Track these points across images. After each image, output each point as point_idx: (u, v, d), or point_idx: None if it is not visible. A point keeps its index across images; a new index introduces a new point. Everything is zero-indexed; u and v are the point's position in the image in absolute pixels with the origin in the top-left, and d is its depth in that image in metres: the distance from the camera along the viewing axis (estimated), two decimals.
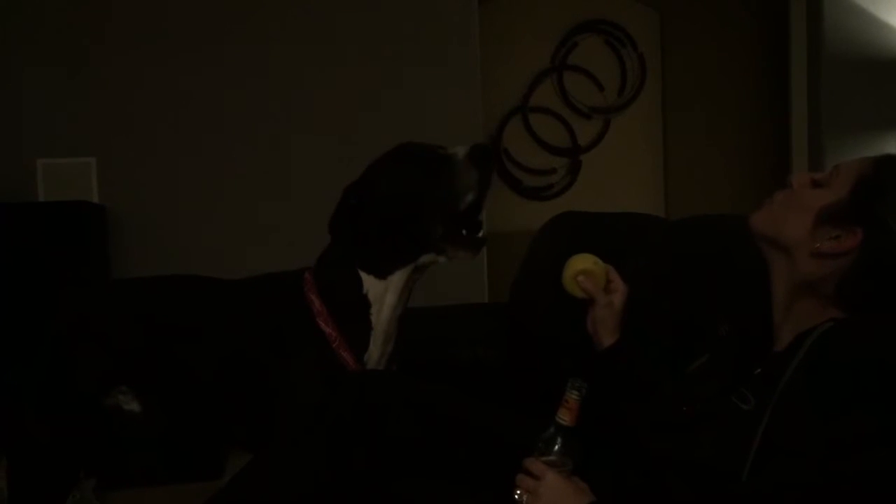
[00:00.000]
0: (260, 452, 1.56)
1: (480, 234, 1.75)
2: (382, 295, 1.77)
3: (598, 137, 4.78)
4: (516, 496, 1.35)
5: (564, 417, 1.38)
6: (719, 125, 4.69)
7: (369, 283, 1.77)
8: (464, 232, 1.73)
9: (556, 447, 1.37)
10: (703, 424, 1.35)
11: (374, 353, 1.79)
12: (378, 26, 3.59)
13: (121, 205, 3.44)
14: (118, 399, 1.84)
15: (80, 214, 3.20)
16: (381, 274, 1.77)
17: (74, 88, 3.44)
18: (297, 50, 3.56)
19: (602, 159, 4.76)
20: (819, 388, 1.22)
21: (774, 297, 1.43)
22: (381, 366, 1.81)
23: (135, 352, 1.82)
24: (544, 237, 2.43)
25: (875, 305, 1.34)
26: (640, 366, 1.61)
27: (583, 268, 1.66)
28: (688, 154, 4.75)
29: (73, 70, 3.44)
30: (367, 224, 1.75)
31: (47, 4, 3.42)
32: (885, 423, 1.16)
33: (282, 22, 3.55)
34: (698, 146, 4.72)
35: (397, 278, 1.77)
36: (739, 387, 1.34)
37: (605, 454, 1.47)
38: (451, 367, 2.19)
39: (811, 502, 1.16)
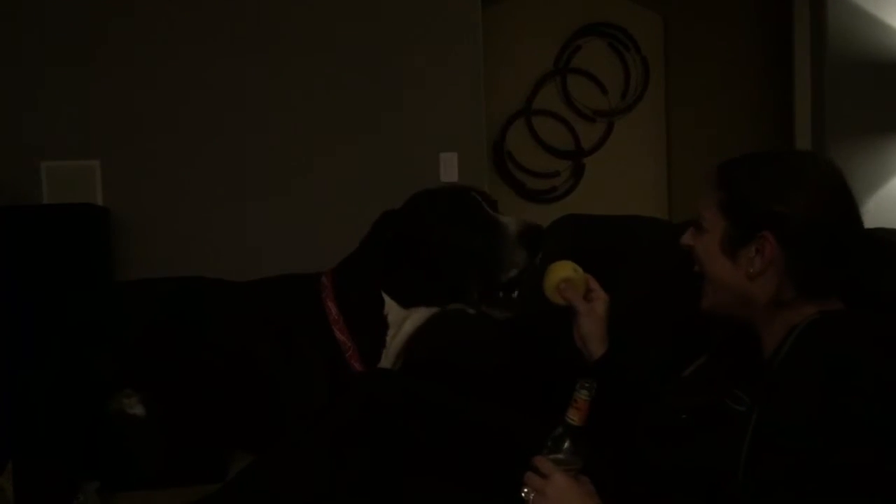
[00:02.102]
0: (265, 451, 1.56)
1: (515, 294, 1.74)
2: (402, 321, 1.78)
3: (602, 140, 4.79)
4: (523, 494, 1.35)
5: (573, 417, 1.38)
6: (722, 128, 4.68)
7: (391, 307, 1.77)
8: (500, 294, 1.73)
9: (565, 446, 1.37)
10: (700, 429, 1.35)
11: (385, 366, 1.80)
12: (381, 29, 3.59)
13: (124, 207, 3.44)
14: (123, 403, 1.83)
15: (83, 217, 3.21)
16: (406, 304, 1.77)
17: (78, 91, 3.45)
18: (300, 53, 3.56)
19: (605, 162, 4.77)
20: (803, 381, 1.23)
21: (752, 326, 1.44)
22: None
23: (142, 354, 1.82)
24: (547, 239, 2.42)
25: (836, 279, 1.36)
26: (632, 373, 1.61)
27: (563, 276, 1.66)
28: (691, 157, 4.74)
29: (76, 72, 3.44)
30: (403, 259, 1.74)
31: (52, 7, 3.42)
32: (868, 414, 1.17)
33: (285, 26, 3.55)
34: (701, 149, 4.71)
35: (421, 313, 1.78)
36: (734, 389, 1.35)
37: (609, 460, 1.47)
38: (454, 369, 2.19)
39: (802, 498, 1.16)
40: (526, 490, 1.35)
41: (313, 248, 3.47)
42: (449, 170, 3.60)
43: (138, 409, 1.84)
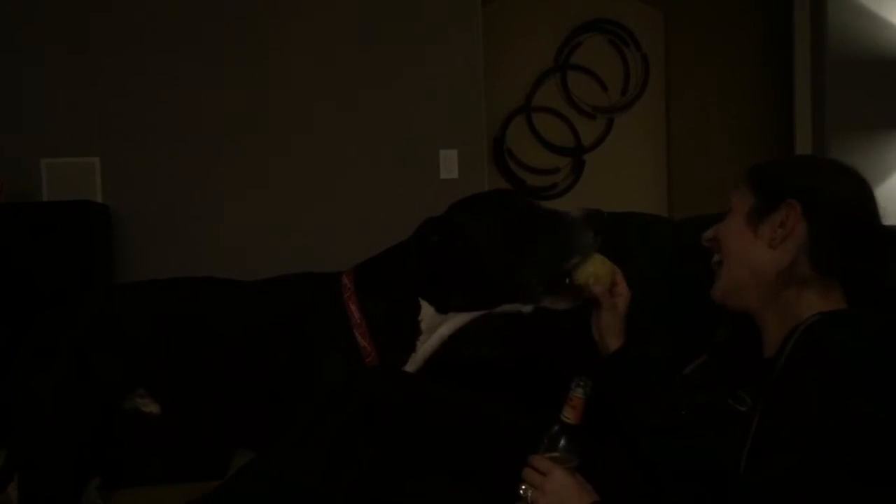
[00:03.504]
0: (267, 448, 1.55)
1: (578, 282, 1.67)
2: (437, 327, 1.74)
3: (602, 137, 4.78)
4: (521, 491, 1.35)
5: (569, 415, 1.38)
6: (723, 124, 4.68)
7: (427, 312, 1.73)
8: (567, 280, 1.66)
9: (561, 444, 1.38)
10: (702, 428, 1.35)
11: (409, 370, 1.77)
12: (381, 25, 3.59)
13: (124, 205, 3.44)
14: (137, 402, 1.82)
15: (83, 214, 3.19)
16: (445, 310, 1.73)
17: (78, 88, 3.44)
18: (299, 50, 3.56)
19: (605, 159, 4.76)
20: (806, 381, 1.22)
21: (753, 312, 1.44)
22: None
23: (153, 354, 1.79)
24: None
25: (852, 259, 1.37)
26: (645, 369, 1.59)
27: (591, 269, 1.65)
28: (691, 153, 4.74)
29: (76, 69, 3.44)
30: (449, 266, 1.69)
31: (51, 4, 3.42)
32: (871, 415, 1.17)
33: (285, 23, 3.55)
34: (702, 145, 4.71)
35: (461, 318, 1.74)
36: (737, 389, 1.34)
37: (609, 455, 1.47)
38: (456, 364, 2.18)
39: (803, 498, 1.16)
40: (524, 487, 1.35)
41: (315, 246, 3.48)
42: (449, 166, 3.60)
43: (153, 408, 1.82)
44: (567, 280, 1.66)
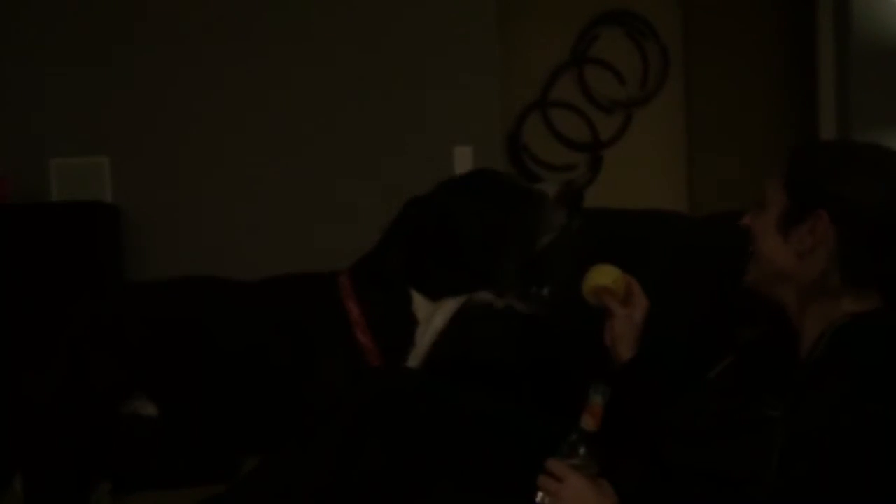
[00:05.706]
0: (276, 449, 1.55)
1: (546, 292, 1.73)
2: (431, 316, 1.75)
3: (620, 132, 4.74)
4: (538, 499, 1.35)
5: (588, 423, 1.37)
6: (744, 119, 4.64)
7: (420, 302, 1.74)
8: (533, 288, 1.72)
9: (581, 451, 1.37)
10: (730, 433, 1.33)
11: (412, 365, 1.77)
12: (394, 19, 3.57)
13: (134, 205, 3.43)
14: (135, 406, 1.82)
15: (92, 215, 3.19)
16: (435, 297, 1.74)
17: (87, 87, 3.43)
18: (311, 48, 3.54)
19: (624, 154, 4.72)
20: (832, 385, 1.22)
21: (788, 310, 1.43)
22: None
23: (153, 357, 1.79)
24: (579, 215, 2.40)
25: (885, 271, 1.35)
26: (660, 377, 1.58)
27: (602, 284, 1.63)
28: (712, 148, 4.71)
29: (85, 68, 3.43)
30: (432, 247, 1.72)
31: (58, 3, 3.41)
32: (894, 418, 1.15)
33: (296, 21, 3.53)
34: (723, 140, 4.68)
35: (451, 304, 1.75)
36: (767, 394, 1.32)
37: (630, 462, 1.44)
38: (469, 367, 2.18)
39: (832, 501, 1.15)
40: (541, 494, 1.34)
41: (330, 245, 3.45)
42: (463, 164, 3.57)
43: (151, 411, 1.82)
44: (534, 289, 1.71)
